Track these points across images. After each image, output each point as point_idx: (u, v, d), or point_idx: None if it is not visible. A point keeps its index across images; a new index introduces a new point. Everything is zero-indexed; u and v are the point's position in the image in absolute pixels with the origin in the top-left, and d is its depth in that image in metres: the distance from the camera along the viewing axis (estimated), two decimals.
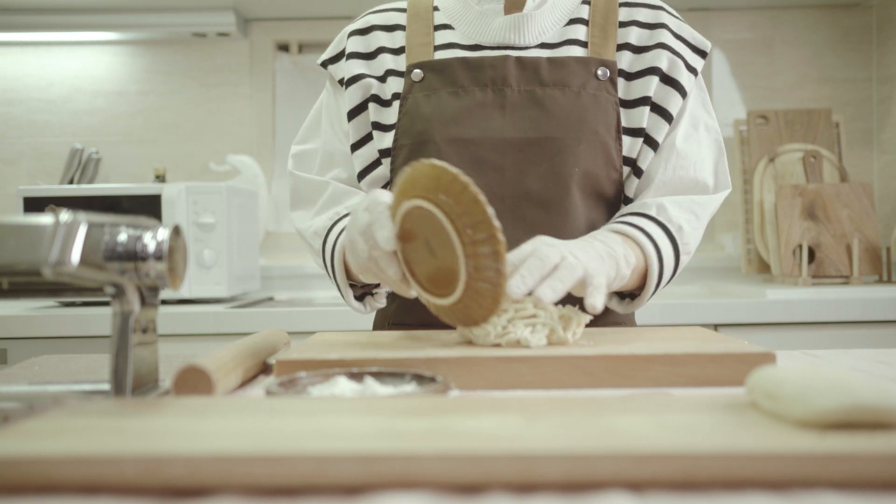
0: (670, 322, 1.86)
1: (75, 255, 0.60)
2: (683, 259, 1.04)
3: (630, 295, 1.05)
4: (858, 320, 1.89)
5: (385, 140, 1.08)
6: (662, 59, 1.05)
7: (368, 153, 1.10)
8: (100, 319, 1.86)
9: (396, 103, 1.08)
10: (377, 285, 1.07)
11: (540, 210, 1.02)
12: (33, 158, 2.58)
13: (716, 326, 1.89)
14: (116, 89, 2.58)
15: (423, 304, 1.06)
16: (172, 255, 0.67)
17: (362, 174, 1.11)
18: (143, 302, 0.69)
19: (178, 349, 1.86)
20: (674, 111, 1.04)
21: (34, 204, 2.03)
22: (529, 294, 0.81)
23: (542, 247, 0.83)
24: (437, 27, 1.11)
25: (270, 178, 2.57)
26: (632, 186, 1.07)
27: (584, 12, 1.09)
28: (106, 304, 0.71)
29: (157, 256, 0.66)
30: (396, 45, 1.11)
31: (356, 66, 1.10)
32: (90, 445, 0.48)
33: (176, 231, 0.69)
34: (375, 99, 1.09)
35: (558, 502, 0.43)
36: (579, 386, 0.75)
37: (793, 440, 0.47)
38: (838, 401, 0.49)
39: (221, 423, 0.54)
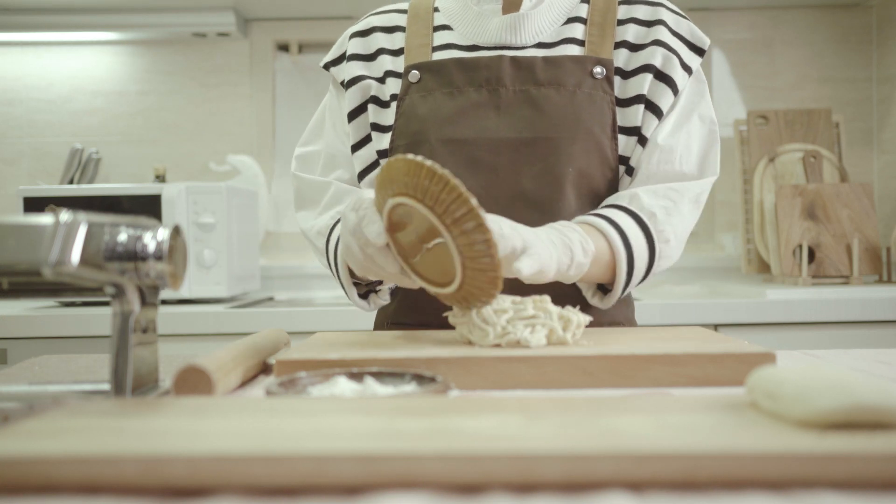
0: (670, 322, 1.86)
1: (75, 255, 0.60)
2: (661, 247, 1.00)
3: (610, 288, 1.04)
4: (858, 320, 1.89)
5: (383, 141, 1.08)
6: (657, 56, 1.04)
7: (368, 154, 1.11)
8: (100, 319, 1.86)
9: (395, 104, 1.08)
10: (380, 282, 1.08)
11: (534, 210, 1.01)
12: (33, 158, 2.58)
13: (716, 326, 1.89)
14: (116, 89, 2.58)
15: (423, 305, 1.07)
16: (172, 255, 0.67)
17: (362, 175, 1.11)
18: (143, 302, 0.69)
19: (178, 349, 1.86)
20: (665, 108, 1.04)
21: (34, 204, 2.03)
22: None
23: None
24: (437, 28, 1.12)
25: (270, 178, 2.57)
26: (625, 185, 1.07)
27: (583, 11, 1.09)
28: (106, 304, 0.71)
29: (157, 256, 0.66)
30: (396, 47, 1.12)
31: (356, 68, 1.11)
32: (90, 445, 0.48)
33: (176, 231, 0.69)
34: (375, 100, 1.10)
35: (558, 502, 0.43)
36: (579, 386, 0.75)
37: (793, 440, 0.47)
38: (838, 401, 0.49)
39: (221, 423, 0.54)
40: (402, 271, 0.85)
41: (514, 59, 1.04)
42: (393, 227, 0.83)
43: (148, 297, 0.70)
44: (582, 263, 0.90)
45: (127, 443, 0.49)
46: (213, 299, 2.10)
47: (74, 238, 0.60)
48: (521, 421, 0.52)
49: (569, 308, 0.86)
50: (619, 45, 1.06)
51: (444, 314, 0.89)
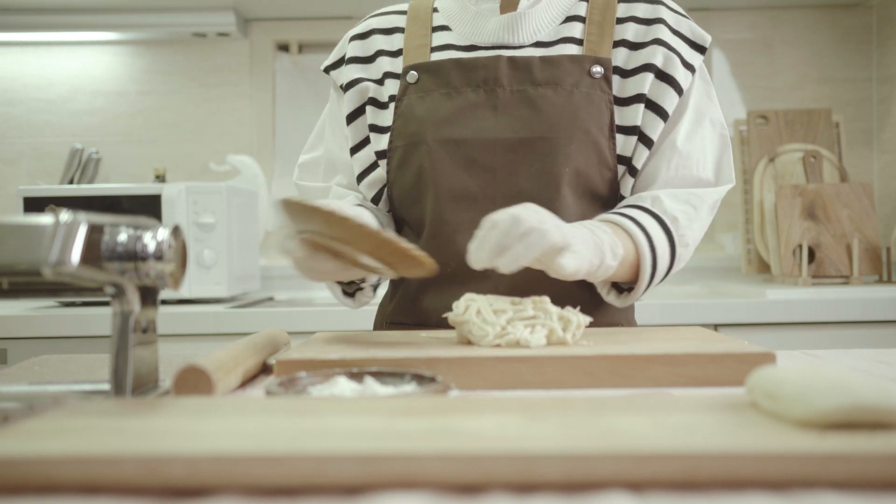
0: (670, 322, 1.86)
1: (75, 255, 0.60)
2: (681, 251, 1.02)
3: (627, 287, 1.04)
4: (858, 320, 1.89)
5: (381, 142, 1.09)
6: (657, 56, 1.04)
7: (366, 156, 1.11)
8: (100, 319, 1.86)
9: (393, 105, 1.08)
10: (363, 280, 1.08)
11: None
12: (33, 158, 2.58)
13: (716, 326, 1.89)
14: (116, 89, 2.58)
15: (423, 304, 1.07)
16: (172, 255, 0.67)
17: (361, 177, 1.12)
18: (143, 302, 0.69)
19: (178, 349, 1.86)
20: (670, 109, 1.03)
21: (34, 204, 2.03)
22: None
23: (518, 212, 0.82)
24: (436, 28, 1.12)
25: (270, 178, 2.57)
26: (628, 186, 1.06)
27: (582, 10, 1.09)
28: (106, 304, 0.71)
29: (157, 256, 0.66)
30: (394, 48, 1.12)
31: (355, 71, 1.12)
32: (90, 445, 0.48)
33: (176, 231, 0.69)
34: (373, 102, 1.10)
35: (558, 502, 0.43)
36: (579, 386, 0.75)
37: (793, 440, 0.47)
38: (838, 401, 0.49)
39: (221, 423, 0.54)
40: (347, 270, 0.88)
41: (511, 59, 1.04)
42: (313, 246, 0.86)
43: (148, 297, 0.70)
44: (610, 266, 0.91)
45: (127, 443, 0.49)
46: (213, 299, 2.10)
47: (74, 238, 0.60)
48: (521, 421, 0.52)
49: (568, 309, 0.86)
50: (618, 43, 1.06)
51: (444, 315, 0.90)
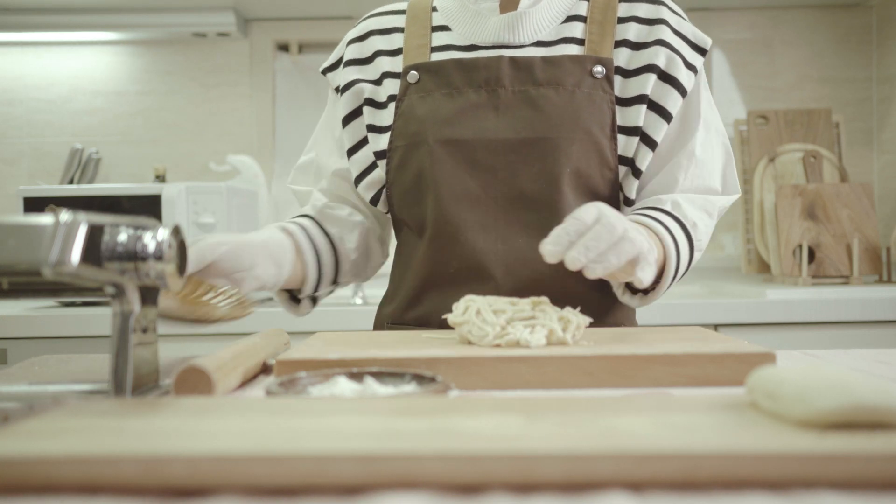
0: (670, 322, 1.86)
1: (75, 255, 0.60)
2: (696, 256, 1.04)
3: (644, 289, 1.04)
4: (858, 320, 1.89)
5: (380, 142, 1.08)
6: (660, 57, 1.04)
7: (364, 157, 1.11)
8: (100, 319, 1.86)
9: (392, 105, 1.08)
10: (298, 290, 1.14)
11: (532, 210, 1.01)
12: (33, 158, 2.58)
13: (716, 326, 1.89)
14: (116, 89, 2.58)
15: (423, 305, 1.07)
16: (172, 255, 0.67)
17: (359, 178, 1.11)
18: (143, 302, 0.69)
19: (178, 349, 1.85)
20: (673, 110, 1.03)
21: (34, 204, 2.03)
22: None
23: (609, 215, 0.81)
24: (435, 28, 1.12)
25: (270, 178, 2.57)
26: (631, 187, 1.06)
27: (583, 9, 1.09)
28: (106, 304, 0.70)
29: (157, 256, 0.66)
30: (393, 47, 1.12)
31: (351, 73, 1.13)
32: (90, 445, 0.48)
33: (176, 231, 0.69)
34: (370, 102, 1.10)
35: (558, 502, 0.43)
36: (579, 386, 0.75)
37: (793, 440, 0.47)
38: (838, 401, 0.49)
39: (221, 423, 0.54)
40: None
41: (512, 59, 1.04)
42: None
43: (148, 297, 0.70)
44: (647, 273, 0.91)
45: (127, 443, 0.49)
46: None
47: (74, 238, 0.60)
48: (521, 421, 0.52)
49: (568, 309, 0.86)
50: (619, 43, 1.06)
51: (444, 315, 0.89)
